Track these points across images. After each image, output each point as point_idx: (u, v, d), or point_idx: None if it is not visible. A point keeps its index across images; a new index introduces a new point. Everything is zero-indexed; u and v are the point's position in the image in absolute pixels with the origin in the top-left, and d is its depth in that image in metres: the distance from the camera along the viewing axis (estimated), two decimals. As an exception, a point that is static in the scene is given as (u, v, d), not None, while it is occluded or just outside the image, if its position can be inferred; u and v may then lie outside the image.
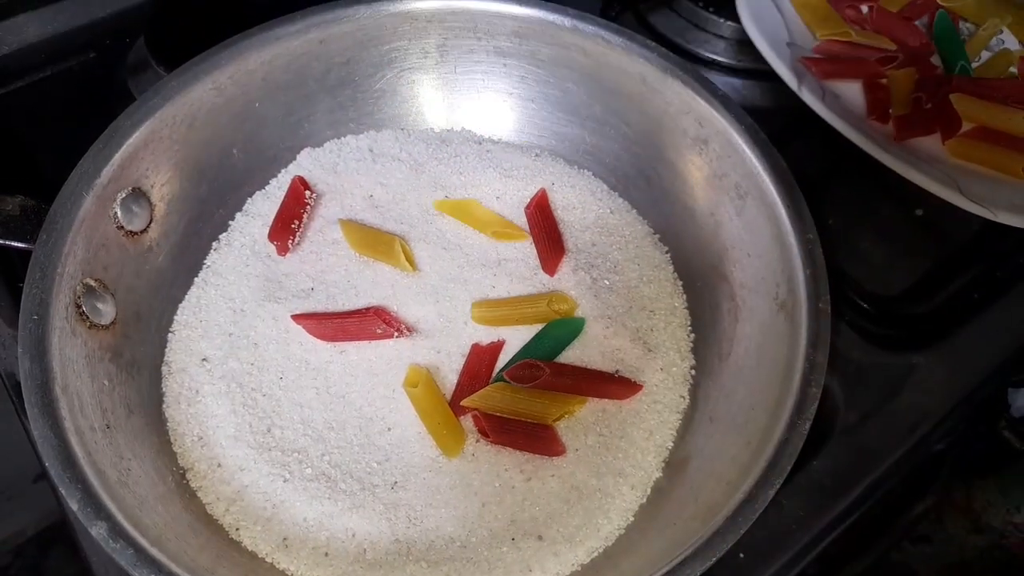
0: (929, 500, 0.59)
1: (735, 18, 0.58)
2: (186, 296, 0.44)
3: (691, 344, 0.44)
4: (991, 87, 0.56)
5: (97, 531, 0.31)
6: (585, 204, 0.48)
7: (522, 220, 0.47)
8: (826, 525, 0.43)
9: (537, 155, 0.50)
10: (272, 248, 0.46)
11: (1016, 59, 0.58)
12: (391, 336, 0.42)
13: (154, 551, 0.31)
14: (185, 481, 0.38)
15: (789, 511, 0.42)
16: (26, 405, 0.34)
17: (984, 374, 0.48)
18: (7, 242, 0.40)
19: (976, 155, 0.53)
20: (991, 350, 0.49)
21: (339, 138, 0.50)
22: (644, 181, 0.48)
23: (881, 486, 0.45)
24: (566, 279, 0.45)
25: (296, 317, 0.42)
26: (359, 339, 0.42)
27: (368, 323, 0.42)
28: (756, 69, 0.59)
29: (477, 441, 0.40)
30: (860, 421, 0.46)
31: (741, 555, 0.41)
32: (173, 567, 0.31)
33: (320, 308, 0.44)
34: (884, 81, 0.56)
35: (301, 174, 0.48)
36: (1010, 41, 0.61)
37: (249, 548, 0.37)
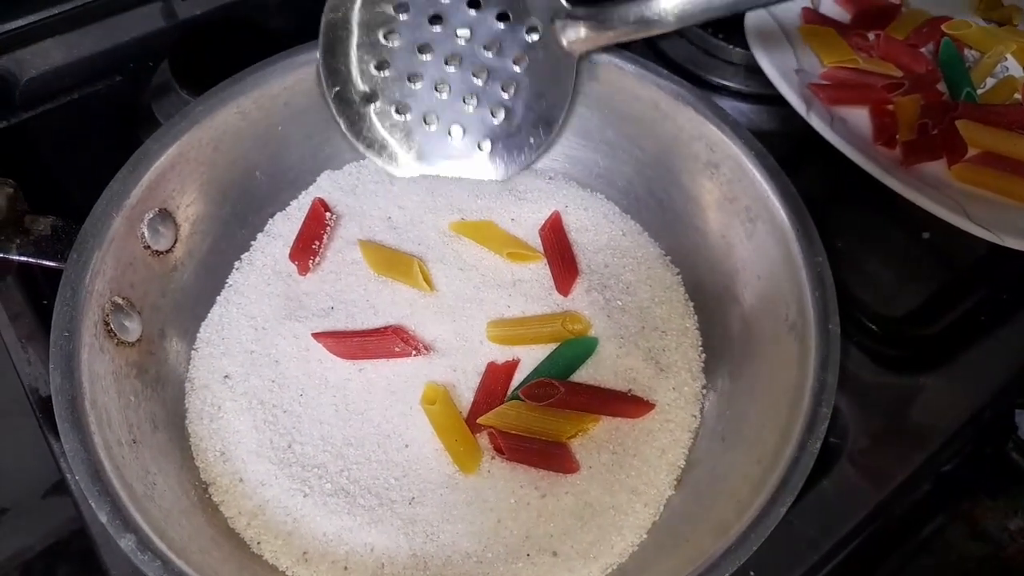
0: (938, 521, 0.59)
1: (744, 45, 0.59)
2: (209, 314, 0.45)
3: (702, 364, 0.45)
4: (996, 113, 0.57)
5: (126, 543, 0.32)
6: (598, 226, 0.49)
7: (537, 242, 0.48)
8: (835, 544, 0.43)
9: (551, 178, 0.51)
10: (293, 268, 0.47)
11: (1020, 86, 0.59)
12: (409, 354, 0.43)
13: (180, 563, 0.32)
14: (208, 495, 0.39)
15: (799, 530, 0.43)
16: (57, 419, 0.35)
17: (991, 395, 0.49)
18: (39, 260, 0.41)
19: (982, 180, 0.54)
20: (998, 372, 0.50)
21: (358, 161, 0.51)
22: (656, 204, 0.49)
23: (890, 506, 0.45)
24: (580, 299, 0.46)
25: (316, 335, 0.43)
26: (378, 357, 0.43)
27: (386, 342, 0.43)
28: (765, 95, 0.60)
29: (493, 458, 0.41)
30: (868, 441, 0.46)
31: (752, 573, 0.41)
32: (199, 578, 0.32)
33: (340, 327, 0.45)
34: (891, 107, 0.57)
35: (321, 196, 0.49)
36: (1014, 68, 0.62)
37: (270, 562, 0.37)
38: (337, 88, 0.46)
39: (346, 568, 0.37)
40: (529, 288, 0.47)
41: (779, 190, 0.43)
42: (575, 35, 0.43)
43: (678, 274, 0.48)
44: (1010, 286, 0.54)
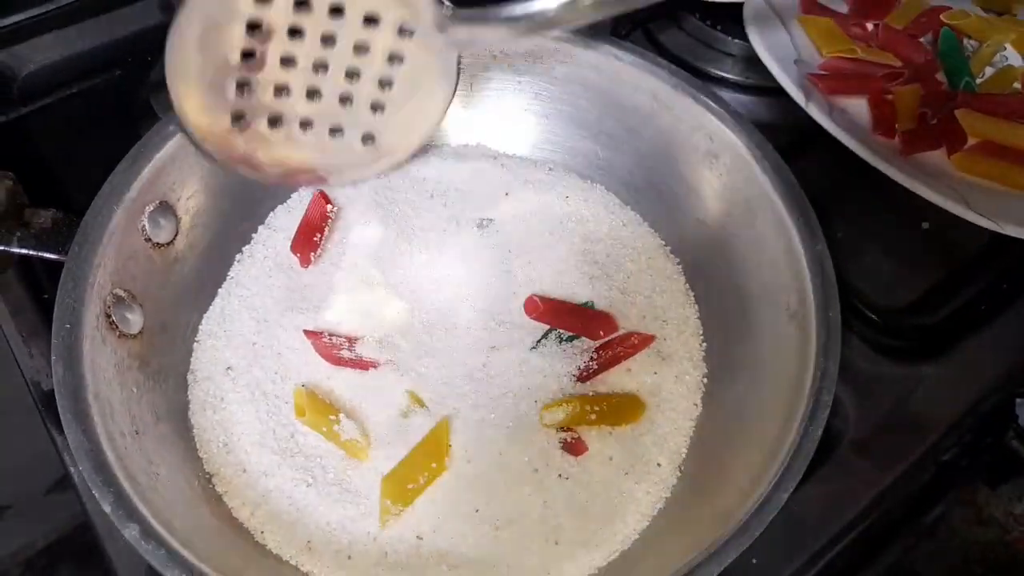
0: (941, 508, 0.59)
1: (743, 36, 0.59)
2: (211, 306, 0.45)
3: (703, 353, 0.45)
4: (995, 102, 0.57)
5: (130, 533, 0.32)
6: (598, 217, 0.49)
7: (538, 240, 0.48)
8: (837, 532, 0.43)
9: (551, 169, 0.51)
10: (294, 260, 0.47)
11: (1019, 75, 0.60)
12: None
13: (185, 552, 0.32)
14: (211, 486, 0.39)
15: (801, 517, 0.43)
16: (59, 411, 0.35)
17: (991, 385, 0.49)
18: (40, 253, 0.41)
19: (981, 169, 0.54)
20: (998, 361, 0.50)
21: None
22: (656, 194, 0.49)
23: (892, 494, 0.45)
24: (581, 290, 0.46)
25: (307, 332, 0.43)
26: (357, 368, 0.43)
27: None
28: (764, 86, 0.60)
29: (500, 454, 0.41)
30: (869, 430, 0.46)
31: (754, 560, 0.41)
32: (203, 567, 0.32)
33: (341, 319, 0.45)
34: (890, 97, 0.57)
35: (323, 188, 0.49)
36: (1013, 58, 0.62)
37: (274, 551, 0.38)
38: (195, 116, 0.38)
39: (350, 557, 0.37)
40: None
41: (779, 179, 0.43)
42: (455, 34, 0.38)
43: (678, 264, 0.48)
44: (1010, 276, 0.54)
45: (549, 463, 0.40)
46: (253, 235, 0.48)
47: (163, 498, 0.35)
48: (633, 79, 0.48)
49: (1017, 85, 0.59)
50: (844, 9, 0.64)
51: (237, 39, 0.36)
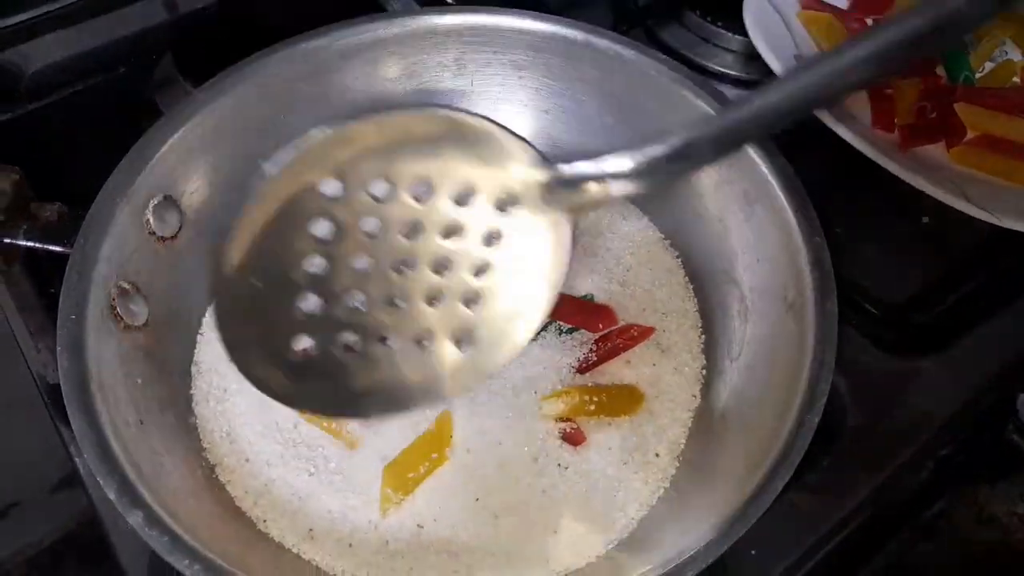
0: (940, 505, 0.59)
1: (743, 32, 0.59)
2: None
3: (702, 345, 0.45)
4: (995, 96, 0.57)
5: (134, 519, 0.32)
6: (598, 211, 0.50)
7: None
8: (835, 524, 0.44)
9: (551, 164, 0.52)
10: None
11: (1019, 69, 0.60)
12: None
13: (188, 538, 0.32)
14: (214, 475, 0.40)
15: (799, 509, 0.43)
16: (65, 400, 0.35)
17: (990, 379, 0.49)
18: (46, 246, 0.42)
19: (981, 163, 0.54)
20: (997, 355, 0.50)
21: (360, 148, 0.51)
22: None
23: (890, 488, 0.46)
24: (582, 283, 0.46)
25: None
26: None
27: None
28: (764, 81, 0.61)
29: (500, 444, 0.41)
30: (868, 423, 0.46)
31: (752, 552, 0.42)
32: (206, 553, 0.32)
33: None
34: (889, 91, 0.57)
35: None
36: (1013, 52, 0.62)
37: (276, 539, 0.38)
38: (260, 353, 0.32)
39: (351, 545, 0.38)
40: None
41: (777, 172, 0.43)
42: (568, 198, 0.31)
43: (678, 257, 0.48)
44: (1010, 270, 0.54)
45: (548, 453, 0.40)
46: (256, 229, 0.48)
47: (167, 486, 0.36)
48: (634, 74, 0.48)
49: (1016, 79, 0.59)
50: (844, 5, 0.64)
51: (302, 248, 0.30)
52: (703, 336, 0.46)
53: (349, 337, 0.32)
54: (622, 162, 0.29)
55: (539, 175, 0.30)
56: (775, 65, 0.56)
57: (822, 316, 0.39)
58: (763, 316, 0.42)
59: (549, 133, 0.52)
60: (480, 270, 0.32)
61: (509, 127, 0.31)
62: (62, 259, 0.40)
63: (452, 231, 0.31)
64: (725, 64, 0.64)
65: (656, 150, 0.29)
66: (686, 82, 0.46)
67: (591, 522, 0.39)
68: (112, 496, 0.33)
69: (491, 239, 0.31)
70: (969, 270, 0.54)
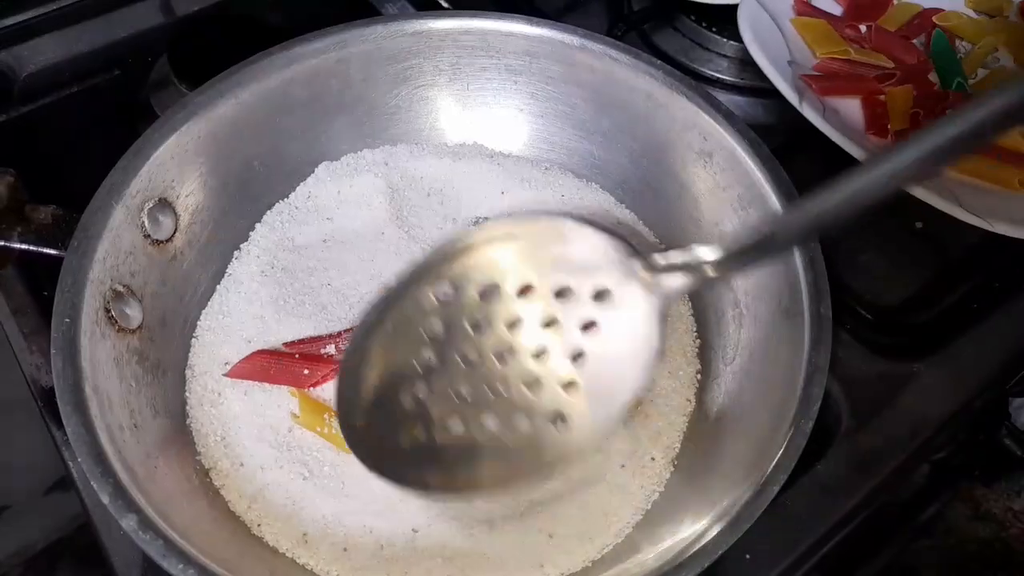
0: (934, 508, 0.60)
1: (737, 37, 0.60)
2: (209, 302, 0.46)
3: (697, 349, 0.45)
4: (987, 103, 0.57)
5: (128, 523, 0.32)
6: (593, 216, 0.50)
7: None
8: (830, 528, 0.44)
9: (547, 168, 0.52)
10: (291, 258, 0.47)
11: (1011, 76, 0.60)
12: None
13: (182, 543, 0.32)
14: (208, 479, 0.40)
15: (793, 513, 0.43)
16: (59, 403, 0.35)
17: (983, 383, 0.50)
18: (40, 249, 0.42)
19: (974, 169, 0.54)
20: (990, 359, 0.50)
21: (355, 152, 0.52)
22: (651, 193, 0.50)
23: (883, 491, 0.46)
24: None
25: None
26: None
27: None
28: (758, 87, 0.61)
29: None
30: (862, 427, 0.47)
31: (747, 556, 0.42)
32: (200, 558, 0.32)
33: (339, 314, 0.45)
34: (883, 97, 0.57)
35: (319, 186, 0.49)
36: (1005, 59, 0.63)
37: (271, 543, 0.38)
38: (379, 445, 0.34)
39: (345, 549, 0.38)
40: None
41: (771, 177, 0.43)
42: (659, 286, 0.32)
43: (672, 261, 0.49)
44: (1002, 275, 0.54)
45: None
46: (251, 232, 0.48)
47: (161, 490, 0.35)
48: (628, 79, 0.48)
49: (1009, 86, 0.60)
50: (838, 11, 0.65)
51: (417, 347, 0.33)
52: (697, 340, 0.46)
53: (453, 422, 0.33)
54: (711, 252, 0.31)
55: (631, 266, 0.32)
56: (769, 70, 0.56)
57: (816, 320, 0.39)
58: (758, 320, 0.43)
59: (545, 138, 0.52)
60: (576, 357, 0.33)
61: (605, 224, 0.34)
62: (56, 261, 0.40)
63: (551, 322, 0.33)
64: (719, 69, 0.64)
65: (744, 240, 0.31)
66: (681, 87, 0.46)
67: (586, 526, 0.39)
68: (106, 500, 0.33)
69: (587, 327, 0.33)
70: (962, 275, 0.55)
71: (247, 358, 0.43)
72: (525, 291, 0.33)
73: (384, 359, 0.34)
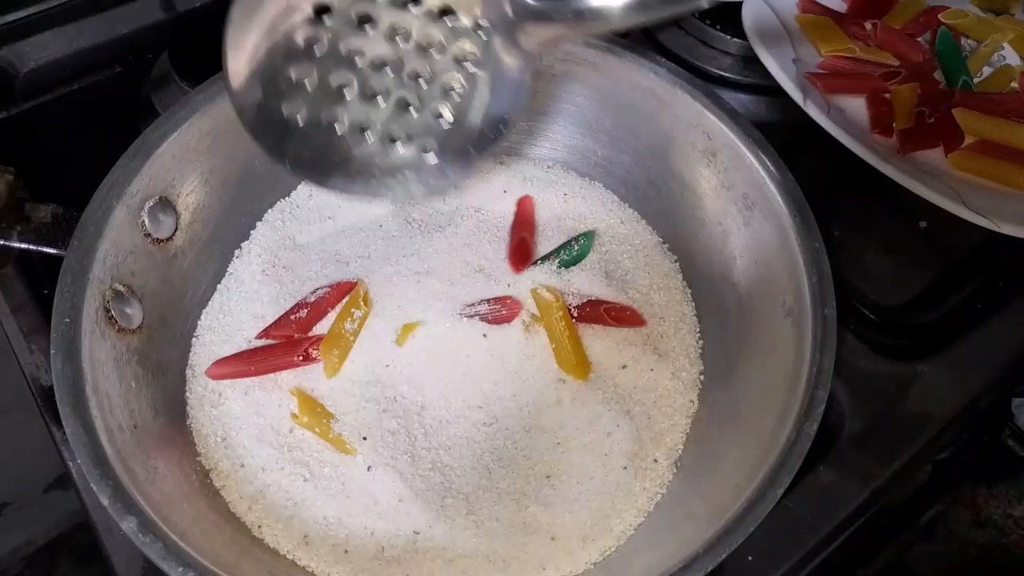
0: (936, 508, 0.60)
1: (742, 35, 0.59)
2: (210, 302, 0.46)
3: (700, 350, 0.45)
4: (993, 101, 0.57)
5: (128, 525, 0.32)
6: (596, 215, 0.50)
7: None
8: (833, 529, 0.44)
9: (550, 167, 0.52)
10: (292, 256, 0.47)
11: (1017, 74, 0.60)
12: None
13: (182, 545, 0.32)
14: (209, 480, 0.39)
15: (796, 514, 0.43)
16: (58, 404, 0.35)
17: (987, 383, 0.49)
18: (40, 248, 0.41)
19: (979, 168, 0.54)
20: (994, 359, 0.50)
21: (358, 150, 0.51)
22: (654, 192, 0.50)
23: (887, 492, 0.45)
24: (581, 285, 0.46)
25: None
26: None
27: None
28: (762, 85, 0.61)
29: (496, 449, 0.41)
30: (865, 428, 0.47)
31: (749, 557, 0.42)
32: (200, 560, 0.32)
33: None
34: (888, 96, 0.57)
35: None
36: (1011, 57, 0.62)
37: (271, 545, 0.38)
38: (252, 104, 0.36)
39: (346, 551, 0.37)
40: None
41: (776, 176, 0.43)
42: (532, 31, 0.35)
43: (676, 261, 0.48)
44: (1007, 274, 0.54)
45: (545, 460, 0.40)
46: (252, 231, 0.48)
47: (161, 492, 0.35)
48: (632, 77, 0.48)
49: (1015, 84, 0.59)
50: (843, 8, 0.64)
51: (300, 22, 0.35)
52: (701, 341, 0.45)
53: (335, 113, 0.36)
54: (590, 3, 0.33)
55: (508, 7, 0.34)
56: (773, 68, 0.56)
57: (820, 321, 0.38)
58: (761, 321, 0.42)
59: (548, 136, 0.52)
60: (448, 88, 0.36)
61: None
62: (56, 260, 0.40)
63: (431, 43, 0.35)
64: (723, 67, 0.64)
65: None
66: (685, 85, 0.46)
67: (589, 528, 0.38)
68: (105, 502, 0.33)
69: (465, 58, 0.35)
70: (967, 274, 0.54)
71: (224, 359, 0.43)
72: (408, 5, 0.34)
73: (270, 32, 0.35)
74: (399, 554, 0.38)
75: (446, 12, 0.35)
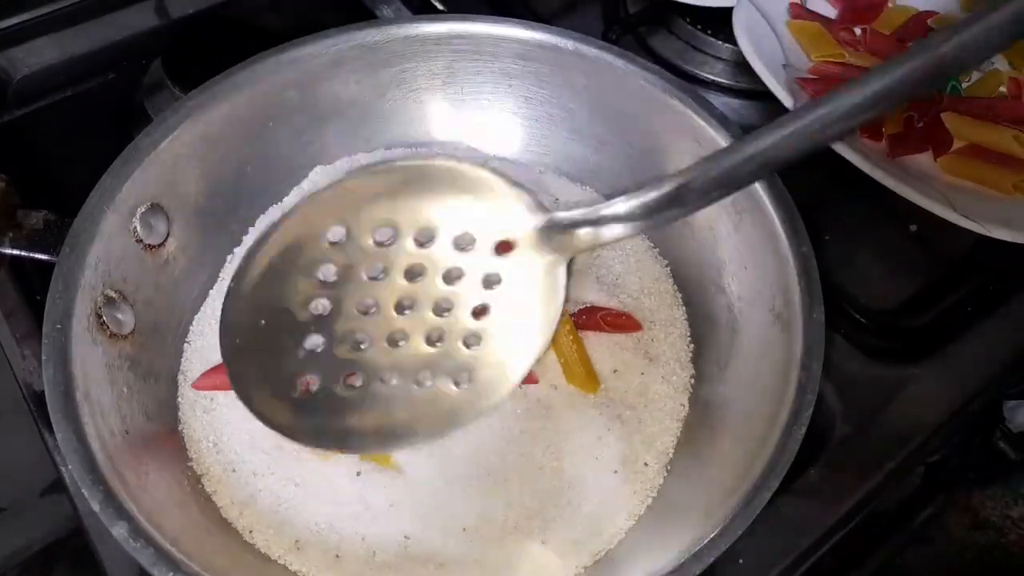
0: (930, 511, 0.60)
1: (732, 40, 0.60)
2: (202, 307, 0.46)
3: (690, 354, 0.45)
4: (981, 106, 0.57)
5: (118, 531, 0.32)
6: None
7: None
8: (824, 532, 0.44)
9: (541, 172, 0.52)
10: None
11: (1005, 79, 0.60)
12: None
13: (173, 550, 0.32)
14: (200, 485, 0.40)
15: (787, 517, 0.43)
16: (49, 410, 0.35)
17: (978, 386, 0.50)
18: (31, 254, 0.41)
19: (968, 172, 0.54)
20: (985, 362, 0.50)
21: (350, 156, 0.51)
22: (645, 197, 0.50)
23: (878, 494, 0.46)
24: (572, 290, 0.46)
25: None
26: None
27: None
28: (753, 90, 0.61)
29: (489, 454, 0.41)
30: (856, 431, 0.47)
31: (740, 560, 0.42)
32: (191, 565, 0.32)
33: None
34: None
35: (312, 190, 0.49)
36: (1000, 62, 0.63)
37: (262, 550, 0.38)
38: (264, 388, 0.34)
39: (338, 556, 0.38)
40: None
41: (766, 182, 0.43)
42: (563, 241, 0.33)
43: (667, 266, 0.49)
44: (997, 278, 0.54)
45: (537, 464, 0.40)
46: (244, 236, 0.48)
47: (152, 497, 0.35)
48: (623, 83, 0.48)
49: (1003, 89, 0.60)
50: (832, 14, 0.65)
51: (307, 290, 0.32)
52: (691, 345, 0.46)
53: (351, 376, 0.34)
54: (616, 208, 0.31)
55: (535, 221, 0.32)
56: (764, 73, 0.56)
57: (809, 325, 0.39)
58: (751, 325, 0.42)
59: (539, 141, 0.52)
60: (479, 312, 0.34)
61: (508, 175, 0.34)
62: (49, 265, 0.40)
63: (453, 275, 0.33)
64: (715, 72, 0.64)
65: (650, 196, 0.30)
66: (675, 91, 0.46)
67: (579, 533, 0.38)
68: (96, 508, 0.33)
69: (490, 283, 0.33)
70: (956, 278, 0.55)
71: (212, 369, 0.43)
72: (424, 239, 0.32)
73: (273, 302, 0.32)
74: (390, 559, 0.38)
75: (465, 243, 0.32)
